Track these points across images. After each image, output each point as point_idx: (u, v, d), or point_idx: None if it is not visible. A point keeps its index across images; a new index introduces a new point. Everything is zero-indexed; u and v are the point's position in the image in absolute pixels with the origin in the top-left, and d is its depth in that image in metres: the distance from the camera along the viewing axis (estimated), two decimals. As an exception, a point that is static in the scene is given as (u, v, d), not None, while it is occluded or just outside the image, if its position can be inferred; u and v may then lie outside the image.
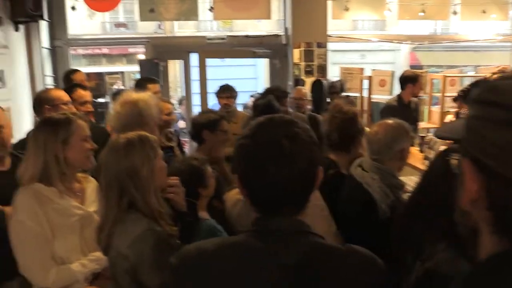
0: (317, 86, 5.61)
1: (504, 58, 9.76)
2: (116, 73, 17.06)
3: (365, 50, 15.63)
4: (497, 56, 12.11)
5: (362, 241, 2.24)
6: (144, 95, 2.72)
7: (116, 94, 4.95)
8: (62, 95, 3.14)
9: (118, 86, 14.77)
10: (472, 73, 14.18)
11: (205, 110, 3.25)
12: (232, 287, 1.10)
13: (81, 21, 10.37)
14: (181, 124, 8.32)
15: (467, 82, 6.66)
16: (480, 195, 0.65)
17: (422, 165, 4.01)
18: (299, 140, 1.07)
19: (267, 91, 3.98)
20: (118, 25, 16.77)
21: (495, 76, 3.86)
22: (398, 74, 6.29)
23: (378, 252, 2.18)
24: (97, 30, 15.96)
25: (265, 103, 3.40)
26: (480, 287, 0.66)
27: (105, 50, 14.15)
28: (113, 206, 1.72)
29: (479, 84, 4.33)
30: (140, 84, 4.34)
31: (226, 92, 4.62)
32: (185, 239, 1.96)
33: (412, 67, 16.94)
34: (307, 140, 1.09)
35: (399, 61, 16.85)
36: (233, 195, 2.43)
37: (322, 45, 6.35)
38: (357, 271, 1.11)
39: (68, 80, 3.92)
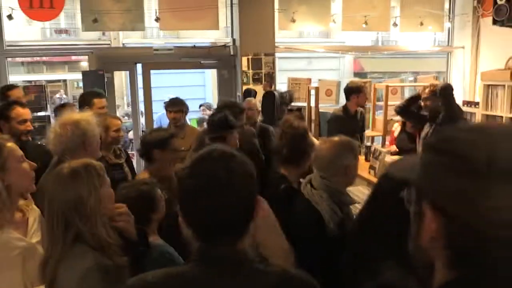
0: (268, 97, 5.67)
1: (440, 65, 10.33)
2: (58, 81, 16.38)
3: (311, 57, 16.02)
4: (434, 62, 12.79)
5: (314, 258, 2.29)
6: (85, 115, 2.64)
7: (59, 107, 4.70)
8: None
9: (60, 95, 14.19)
10: (411, 80, 14.90)
11: (155, 128, 3.18)
12: None
13: (18, 27, 9.87)
14: (130, 135, 8.14)
15: (407, 90, 7.02)
16: (438, 234, 0.71)
17: (368, 175, 4.16)
18: (235, 173, 1.14)
19: (223, 106, 3.95)
20: (59, 31, 16.11)
21: (427, 90, 4.14)
22: (344, 82, 6.51)
23: (329, 268, 2.23)
24: (36, 36, 15.20)
25: (221, 118, 3.39)
26: None
27: (45, 57, 13.53)
28: (59, 239, 1.65)
29: (417, 102, 4.61)
30: (86, 99, 4.19)
31: (176, 106, 4.50)
32: (137, 268, 1.90)
33: (356, 73, 17.60)
34: (243, 173, 1.16)
35: (344, 67, 17.42)
36: None
37: (269, 54, 6.44)
38: None
39: (4, 97, 3.69)
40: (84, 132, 2.55)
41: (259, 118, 5.12)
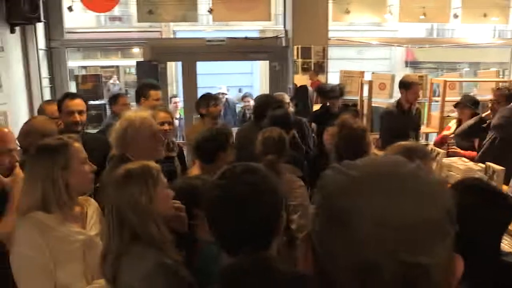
0: (302, 91, 5.60)
1: (502, 56, 9.70)
2: (111, 67, 16.92)
3: (362, 46, 15.60)
4: (494, 53, 12.03)
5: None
6: (134, 114, 2.63)
7: (114, 98, 4.84)
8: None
9: (114, 81, 14.66)
10: (468, 72, 14.13)
11: (211, 129, 3.09)
12: None
13: (75, 13, 10.20)
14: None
15: (466, 85, 6.69)
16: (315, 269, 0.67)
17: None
18: (257, 188, 1.18)
19: (263, 104, 3.91)
20: (113, 18, 16.58)
21: (500, 90, 3.88)
22: (398, 75, 6.26)
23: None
24: (91, 23, 15.72)
25: (284, 115, 3.42)
26: None
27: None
28: (115, 236, 1.71)
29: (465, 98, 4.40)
30: (143, 90, 4.26)
31: (218, 100, 4.47)
32: (190, 262, 1.92)
33: (408, 63, 16.96)
34: (266, 188, 1.19)
35: (395, 57, 16.84)
36: None
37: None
38: None
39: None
40: (124, 131, 2.56)
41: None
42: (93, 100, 5.98)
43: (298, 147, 3.93)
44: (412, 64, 16.89)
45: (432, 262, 0.59)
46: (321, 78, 6.35)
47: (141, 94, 4.21)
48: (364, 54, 16.06)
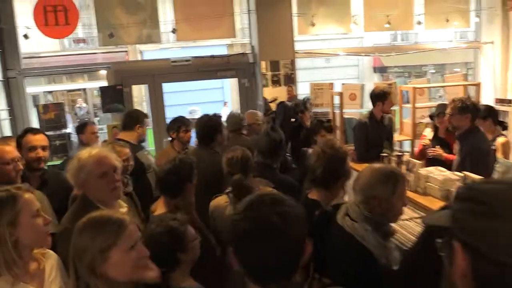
0: (280, 108, 5.54)
1: (467, 57, 9.90)
2: (78, 90, 16.51)
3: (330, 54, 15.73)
4: (459, 54, 12.31)
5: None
6: (85, 154, 2.37)
7: (81, 126, 4.63)
8: (7, 151, 2.81)
9: (80, 104, 14.29)
10: (434, 74, 14.43)
11: (179, 158, 2.88)
12: None
13: (37, 37, 9.88)
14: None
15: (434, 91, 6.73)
16: (467, 269, 0.86)
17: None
18: (288, 217, 1.17)
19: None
20: (78, 40, 16.23)
21: (454, 103, 3.97)
22: (367, 83, 6.27)
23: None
24: (55, 47, 15.34)
25: (276, 144, 3.43)
26: None
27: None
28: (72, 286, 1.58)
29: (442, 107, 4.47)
30: (139, 117, 4.14)
31: (190, 125, 4.28)
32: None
33: (376, 69, 17.22)
34: (295, 217, 1.18)
35: (363, 63, 17.07)
36: (221, 200, 2.96)
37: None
38: None
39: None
40: (76, 170, 2.33)
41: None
42: (57, 130, 5.72)
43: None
44: (380, 69, 17.15)
45: None
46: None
47: (139, 121, 4.08)
48: (332, 62, 16.20)
